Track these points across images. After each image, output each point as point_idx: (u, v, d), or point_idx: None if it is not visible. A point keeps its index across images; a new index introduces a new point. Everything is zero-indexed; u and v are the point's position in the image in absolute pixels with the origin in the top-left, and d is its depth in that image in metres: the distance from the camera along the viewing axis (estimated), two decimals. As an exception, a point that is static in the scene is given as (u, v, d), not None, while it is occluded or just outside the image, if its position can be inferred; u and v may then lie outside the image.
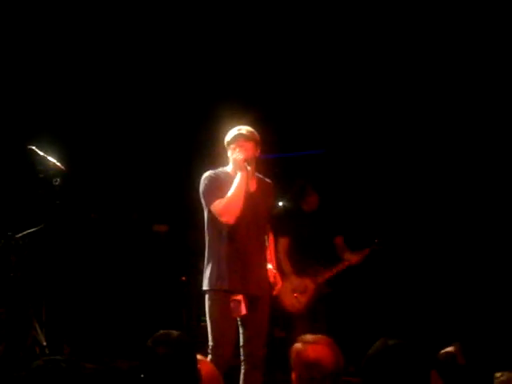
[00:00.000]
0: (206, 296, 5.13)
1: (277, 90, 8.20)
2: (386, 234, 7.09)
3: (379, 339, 2.81)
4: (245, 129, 5.20)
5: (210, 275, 5.12)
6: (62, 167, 6.30)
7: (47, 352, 6.39)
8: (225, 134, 5.25)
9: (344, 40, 7.80)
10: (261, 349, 5.12)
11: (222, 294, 5.06)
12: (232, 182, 5.12)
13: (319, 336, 3.28)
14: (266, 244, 5.37)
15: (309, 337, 3.28)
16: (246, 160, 5.10)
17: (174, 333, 2.97)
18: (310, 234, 6.95)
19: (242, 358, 5.12)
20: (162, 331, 3.01)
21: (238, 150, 5.13)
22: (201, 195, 5.20)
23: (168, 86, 8.26)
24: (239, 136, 5.16)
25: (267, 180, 5.40)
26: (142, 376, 2.89)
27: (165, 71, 8.22)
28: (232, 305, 5.01)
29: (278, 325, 7.37)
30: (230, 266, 5.07)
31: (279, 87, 8.21)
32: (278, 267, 6.30)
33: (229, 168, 5.25)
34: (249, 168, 5.11)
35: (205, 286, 5.15)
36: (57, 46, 7.76)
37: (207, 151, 7.92)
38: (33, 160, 6.38)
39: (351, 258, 6.87)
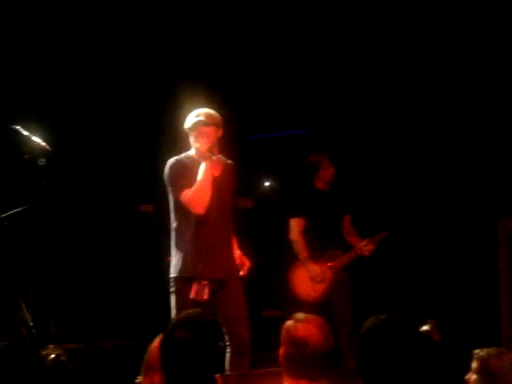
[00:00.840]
0: (172, 283, 5.14)
1: (252, 68, 8.17)
2: (396, 219, 6.87)
3: (370, 316, 2.83)
4: (203, 113, 5.13)
5: (176, 262, 5.12)
6: (48, 147, 6.27)
7: (34, 332, 6.40)
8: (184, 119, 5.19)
9: (329, 16, 7.78)
10: (245, 332, 5.13)
11: (184, 279, 5.06)
12: (197, 167, 5.09)
13: (312, 316, 3.29)
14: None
15: (301, 315, 3.30)
16: (208, 149, 5.05)
17: (196, 316, 2.92)
18: (326, 213, 6.55)
19: (227, 343, 5.09)
20: (184, 313, 2.97)
21: (199, 138, 5.06)
22: (166, 182, 5.17)
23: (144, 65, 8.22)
24: (198, 123, 5.10)
25: (229, 162, 5.36)
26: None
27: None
28: (195, 287, 5.00)
29: (266, 305, 7.40)
30: (197, 252, 5.07)
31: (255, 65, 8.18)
32: (289, 251, 6.20)
33: (192, 152, 5.22)
34: (213, 158, 5.08)
35: (171, 274, 5.15)
36: (40, 26, 7.71)
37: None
38: (17, 140, 6.34)
39: (365, 249, 6.48)
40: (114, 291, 7.72)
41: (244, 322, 5.14)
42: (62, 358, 1.99)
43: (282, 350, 3.28)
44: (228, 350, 5.09)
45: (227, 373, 4.92)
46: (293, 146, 8.26)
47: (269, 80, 8.21)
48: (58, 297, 7.21)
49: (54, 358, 1.99)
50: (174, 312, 5.05)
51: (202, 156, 5.07)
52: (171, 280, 5.14)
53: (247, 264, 5.30)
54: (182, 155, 5.23)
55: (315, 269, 6.45)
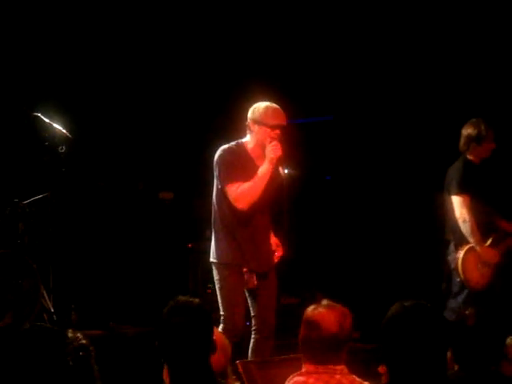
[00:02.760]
0: (217, 268, 5.15)
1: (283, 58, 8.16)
2: None
3: (395, 303, 2.81)
4: (283, 117, 5.06)
5: (222, 248, 5.13)
6: (68, 134, 6.29)
7: (55, 319, 6.44)
8: (249, 108, 5.10)
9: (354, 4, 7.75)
10: (272, 319, 5.19)
11: (235, 267, 5.10)
12: (251, 161, 5.07)
13: (335, 303, 3.32)
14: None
15: (325, 302, 3.33)
16: (279, 158, 5.00)
17: (192, 301, 2.93)
18: (485, 190, 5.91)
19: (253, 327, 5.18)
20: (180, 298, 2.97)
21: (274, 143, 4.97)
22: (215, 169, 5.11)
23: (165, 57, 8.22)
24: (279, 127, 5.03)
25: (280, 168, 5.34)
26: (157, 344, 2.88)
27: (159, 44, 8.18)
28: (246, 276, 5.08)
29: (285, 292, 7.40)
30: (241, 240, 5.09)
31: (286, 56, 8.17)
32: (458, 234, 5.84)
33: (248, 143, 5.14)
34: (280, 168, 5.08)
35: (215, 259, 5.15)
36: (65, 11, 7.72)
37: (212, 119, 7.92)
38: (38, 127, 6.37)
39: None
40: (135, 278, 7.74)
41: (273, 309, 5.23)
42: (83, 341, 1.99)
43: (299, 335, 3.32)
44: (252, 336, 5.17)
45: (249, 358, 4.99)
46: (316, 132, 8.25)
47: (293, 66, 8.18)
48: (78, 283, 7.24)
49: (76, 339, 1.98)
50: (220, 295, 5.10)
51: (269, 160, 4.96)
52: (214, 266, 5.16)
53: (280, 252, 5.31)
54: (234, 143, 5.16)
55: (492, 254, 5.87)
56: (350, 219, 8.12)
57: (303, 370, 3.24)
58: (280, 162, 5.06)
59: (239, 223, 5.08)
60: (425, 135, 7.71)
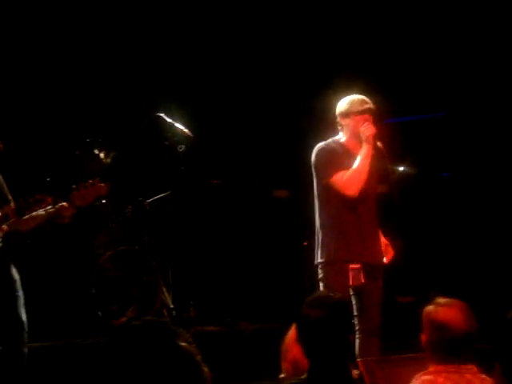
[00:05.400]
0: (322, 268, 5.11)
1: (390, 53, 8.08)
2: None
3: None
4: (368, 101, 5.10)
5: (327, 246, 5.09)
6: (190, 133, 6.41)
7: (174, 314, 6.59)
8: (337, 102, 5.16)
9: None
10: (378, 317, 5.11)
11: (340, 264, 5.03)
12: (348, 153, 5.07)
13: (453, 300, 3.25)
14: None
15: (442, 300, 3.25)
16: (375, 136, 5.03)
17: (333, 295, 2.94)
18: None
19: (357, 327, 5.08)
20: (320, 292, 2.99)
21: (366, 124, 5.04)
22: (314, 167, 5.13)
23: (284, 57, 8.27)
24: (368, 111, 5.07)
25: (379, 144, 5.31)
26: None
27: (279, 41, 8.22)
28: (352, 273, 4.98)
29: (400, 291, 7.34)
30: (349, 236, 5.04)
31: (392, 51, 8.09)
32: None
33: (341, 138, 5.17)
34: (378, 144, 5.07)
35: (321, 258, 5.12)
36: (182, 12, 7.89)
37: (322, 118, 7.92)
38: (161, 127, 6.51)
39: None
40: (251, 275, 7.82)
41: (379, 307, 5.14)
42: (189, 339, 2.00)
43: (424, 337, 3.24)
44: (357, 335, 5.08)
45: (358, 357, 4.94)
46: (430, 129, 8.13)
47: (404, 63, 8.10)
48: (197, 280, 7.36)
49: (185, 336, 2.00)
50: None
51: (365, 140, 5.02)
52: (320, 266, 5.13)
53: (391, 253, 5.27)
54: (329, 140, 5.20)
55: None
56: (469, 216, 7.97)
57: (431, 369, 3.20)
58: (376, 141, 5.05)
59: (346, 218, 5.04)
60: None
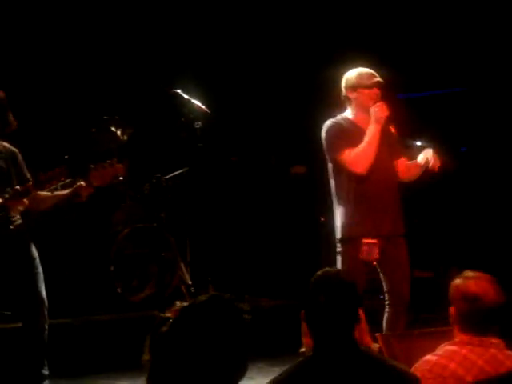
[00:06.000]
0: (339, 242, 5.08)
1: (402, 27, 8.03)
2: None
3: None
4: (377, 76, 5.04)
5: (340, 223, 5.06)
6: (206, 109, 6.39)
7: (192, 291, 6.61)
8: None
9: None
10: (407, 291, 5.05)
11: (355, 239, 4.98)
12: (357, 129, 5.03)
13: (480, 273, 3.22)
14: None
15: (470, 273, 3.22)
16: (387, 117, 4.96)
17: (339, 273, 2.92)
18: None
19: (386, 302, 5.06)
20: (327, 271, 2.97)
21: (371, 98, 4.97)
22: (324, 145, 5.10)
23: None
24: (377, 85, 5.02)
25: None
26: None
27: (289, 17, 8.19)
28: (365, 248, 4.93)
29: (418, 266, 7.32)
30: (362, 211, 4.99)
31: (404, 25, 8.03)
32: None
33: (349, 114, 5.12)
34: (389, 126, 5.04)
35: (338, 234, 5.09)
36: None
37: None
38: (177, 103, 6.51)
39: None
40: (269, 251, 7.83)
41: (406, 281, 5.07)
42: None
43: (453, 310, 3.21)
44: (386, 310, 5.06)
45: (384, 332, 4.92)
46: (447, 104, 8.08)
47: (421, 37, 8.04)
48: (215, 256, 7.38)
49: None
50: None
51: (376, 120, 4.99)
52: (337, 241, 5.10)
53: (435, 160, 4.96)
54: (338, 117, 5.16)
55: None
56: (488, 191, 7.93)
57: (456, 339, 3.17)
58: (388, 122, 5.00)
59: (357, 191, 5.00)
60: None
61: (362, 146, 4.97)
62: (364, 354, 2.81)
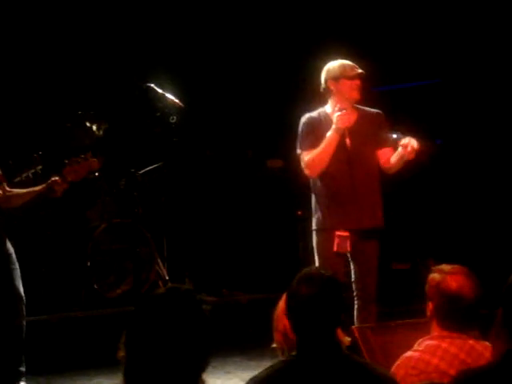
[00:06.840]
0: (313, 234, 5.13)
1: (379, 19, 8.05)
2: None
3: None
4: (358, 67, 5.03)
5: (314, 214, 5.12)
6: (181, 104, 6.36)
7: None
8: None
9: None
10: (373, 284, 5.07)
11: (326, 231, 5.02)
12: (330, 123, 5.00)
13: (458, 266, 3.20)
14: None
15: (447, 267, 3.20)
16: (346, 128, 4.97)
17: (324, 272, 2.90)
18: None
19: (354, 293, 5.08)
20: (308, 269, 2.95)
21: (351, 90, 4.98)
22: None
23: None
24: (358, 76, 5.01)
25: (374, 111, 5.21)
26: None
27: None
28: (337, 240, 4.95)
29: (395, 258, 7.35)
30: (333, 204, 5.03)
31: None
32: None
33: (329, 107, 5.10)
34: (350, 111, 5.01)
35: (312, 227, 5.15)
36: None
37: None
38: (151, 98, 6.48)
39: None
40: (245, 246, 7.82)
41: (372, 275, 5.09)
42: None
43: (431, 305, 3.19)
44: (355, 302, 5.07)
45: (355, 324, 4.93)
46: (422, 96, 8.10)
47: (397, 29, 8.06)
48: (192, 251, 7.37)
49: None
50: (317, 261, 5.09)
51: (335, 129, 4.93)
52: (313, 233, 5.15)
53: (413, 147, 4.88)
54: (317, 111, 5.15)
55: None
56: (463, 183, 7.97)
57: (435, 333, 3.17)
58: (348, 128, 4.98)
59: (327, 184, 5.03)
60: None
61: (316, 151, 4.98)
62: (346, 356, 2.80)
